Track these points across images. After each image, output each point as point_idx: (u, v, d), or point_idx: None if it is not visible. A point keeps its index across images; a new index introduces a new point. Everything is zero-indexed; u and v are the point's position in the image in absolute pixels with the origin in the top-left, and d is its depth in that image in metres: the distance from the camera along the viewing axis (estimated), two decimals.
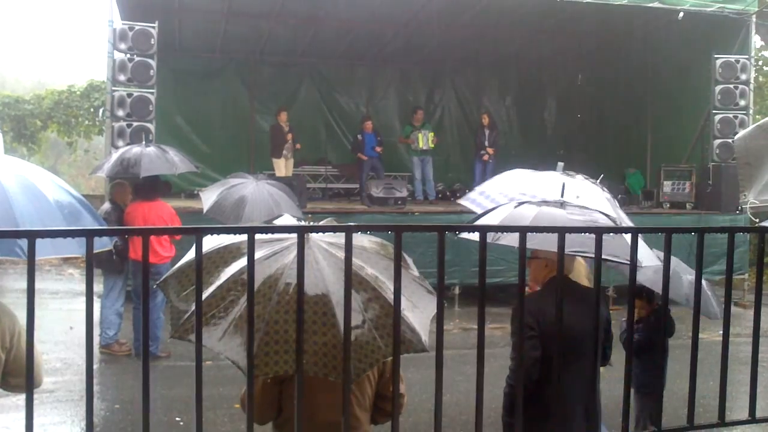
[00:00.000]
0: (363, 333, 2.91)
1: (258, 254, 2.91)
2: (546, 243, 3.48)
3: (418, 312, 3.09)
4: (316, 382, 3.04)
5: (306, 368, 2.84)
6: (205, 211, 8.51)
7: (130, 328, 9.53)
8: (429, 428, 3.12)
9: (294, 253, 3.04)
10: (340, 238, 3.20)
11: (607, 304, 4.49)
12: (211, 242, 3.16)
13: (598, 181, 8.28)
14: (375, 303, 3.01)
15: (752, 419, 3.68)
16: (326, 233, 3.27)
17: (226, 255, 3.15)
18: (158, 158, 9.19)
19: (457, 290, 13.06)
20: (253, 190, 8.52)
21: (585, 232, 3.39)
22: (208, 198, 8.66)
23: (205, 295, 2.92)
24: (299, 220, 3.85)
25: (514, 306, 4.03)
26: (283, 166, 16.04)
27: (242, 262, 3.05)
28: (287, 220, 3.91)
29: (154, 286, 3.27)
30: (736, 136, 4.45)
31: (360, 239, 3.34)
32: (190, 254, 3.22)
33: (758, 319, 3.65)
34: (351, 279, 2.81)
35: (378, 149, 17.22)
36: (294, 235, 3.16)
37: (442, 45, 18.41)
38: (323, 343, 2.89)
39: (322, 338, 2.89)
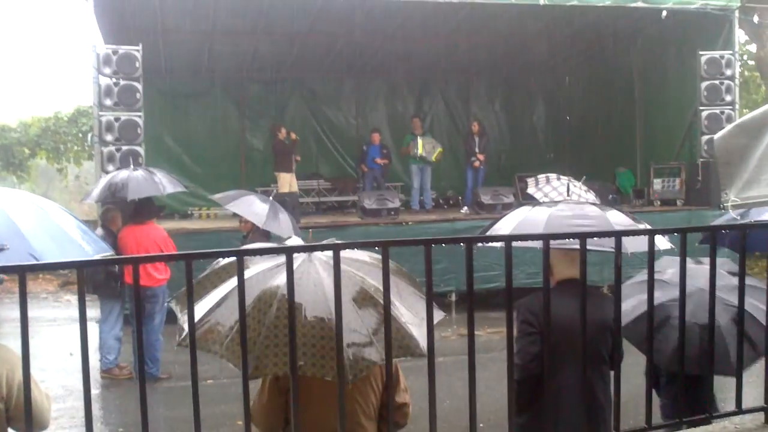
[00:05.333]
0: (360, 338, 3.06)
1: (266, 265, 3.23)
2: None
3: (418, 321, 3.21)
4: (322, 391, 3.15)
5: (305, 369, 3.02)
6: (262, 224, 8.90)
7: (131, 351, 9.54)
8: None
9: (295, 266, 3.16)
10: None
11: (619, 309, 4.53)
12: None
13: (581, 182, 8.44)
14: (374, 311, 3.14)
15: (739, 410, 3.75)
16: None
17: (230, 269, 3.29)
18: (145, 181, 9.24)
19: (453, 297, 13.11)
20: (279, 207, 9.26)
21: (569, 238, 3.45)
22: (253, 210, 9.06)
23: (210, 304, 3.16)
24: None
25: (517, 304, 4.17)
26: (288, 182, 15.80)
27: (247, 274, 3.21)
28: (296, 241, 4.16)
29: (167, 303, 3.38)
30: (716, 136, 4.52)
31: (360, 254, 3.48)
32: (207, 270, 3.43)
33: (742, 312, 3.72)
34: (341, 295, 2.91)
35: (379, 161, 17.28)
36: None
37: (428, 54, 18.52)
38: (321, 346, 3.04)
39: (320, 341, 3.04)
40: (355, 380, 3.07)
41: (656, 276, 4.63)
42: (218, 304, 3.12)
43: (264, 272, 3.18)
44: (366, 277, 3.21)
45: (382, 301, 3.13)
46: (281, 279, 3.16)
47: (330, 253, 3.28)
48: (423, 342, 3.15)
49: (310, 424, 3.31)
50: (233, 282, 3.20)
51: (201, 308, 3.15)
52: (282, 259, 3.23)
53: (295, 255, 3.23)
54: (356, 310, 3.12)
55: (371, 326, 3.10)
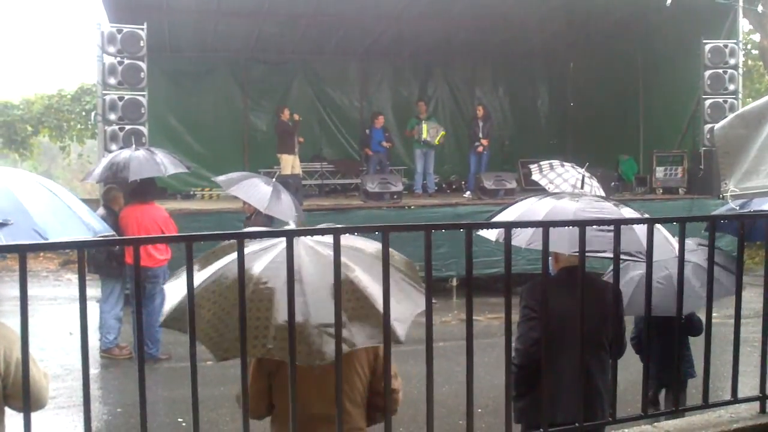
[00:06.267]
0: (331, 323, 3.00)
1: (253, 248, 3.16)
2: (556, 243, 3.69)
3: (400, 307, 3.13)
4: (305, 374, 3.13)
5: (274, 352, 2.97)
6: (264, 209, 8.84)
7: (131, 331, 9.56)
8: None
9: (275, 252, 3.17)
10: (327, 236, 3.31)
11: (620, 299, 4.56)
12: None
13: (584, 168, 8.41)
14: (351, 296, 3.08)
15: (734, 400, 3.78)
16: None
17: (219, 252, 3.30)
18: (147, 161, 9.22)
19: (454, 282, 13.15)
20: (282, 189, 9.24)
21: (569, 226, 3.46)
22: (256, 195, 9.00)
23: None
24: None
25: (521, 289, 4.22)
26: (291, 164, 15.80)
27: (223, 261, 3.21)
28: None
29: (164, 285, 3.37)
30: (716, 127, 4.55)
31: (363, 243, 3.42)
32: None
33: (739, 301, 3.75)
34: (340, 279, 2.91)
35: (385, 144, 17.29)
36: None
37: (433, 37, 18.46)
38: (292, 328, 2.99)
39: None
40: (323, 363, 3.00)
41: None
42: (199, 287, 3.07)
43: (247, 255, 3.09)
44: (348, 262, 3.13)
45: (360, 287, 3.11)
46: (261, 263, 3.14)
47: (318, 237, 3.29)
48: (401, 329, 3.08)
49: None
50: (217, 265, 3.21)
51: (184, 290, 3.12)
52: (267, 242, 3.26)
53: (277, 241, 3.22)
54: (332, 294, 3.04)
55: (346, 311, 3.03)
